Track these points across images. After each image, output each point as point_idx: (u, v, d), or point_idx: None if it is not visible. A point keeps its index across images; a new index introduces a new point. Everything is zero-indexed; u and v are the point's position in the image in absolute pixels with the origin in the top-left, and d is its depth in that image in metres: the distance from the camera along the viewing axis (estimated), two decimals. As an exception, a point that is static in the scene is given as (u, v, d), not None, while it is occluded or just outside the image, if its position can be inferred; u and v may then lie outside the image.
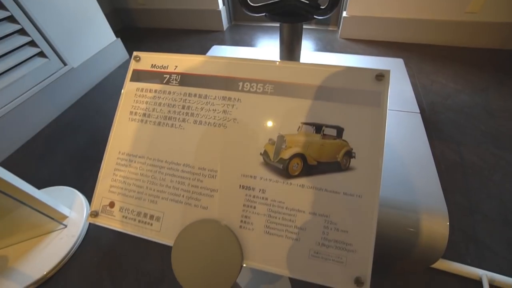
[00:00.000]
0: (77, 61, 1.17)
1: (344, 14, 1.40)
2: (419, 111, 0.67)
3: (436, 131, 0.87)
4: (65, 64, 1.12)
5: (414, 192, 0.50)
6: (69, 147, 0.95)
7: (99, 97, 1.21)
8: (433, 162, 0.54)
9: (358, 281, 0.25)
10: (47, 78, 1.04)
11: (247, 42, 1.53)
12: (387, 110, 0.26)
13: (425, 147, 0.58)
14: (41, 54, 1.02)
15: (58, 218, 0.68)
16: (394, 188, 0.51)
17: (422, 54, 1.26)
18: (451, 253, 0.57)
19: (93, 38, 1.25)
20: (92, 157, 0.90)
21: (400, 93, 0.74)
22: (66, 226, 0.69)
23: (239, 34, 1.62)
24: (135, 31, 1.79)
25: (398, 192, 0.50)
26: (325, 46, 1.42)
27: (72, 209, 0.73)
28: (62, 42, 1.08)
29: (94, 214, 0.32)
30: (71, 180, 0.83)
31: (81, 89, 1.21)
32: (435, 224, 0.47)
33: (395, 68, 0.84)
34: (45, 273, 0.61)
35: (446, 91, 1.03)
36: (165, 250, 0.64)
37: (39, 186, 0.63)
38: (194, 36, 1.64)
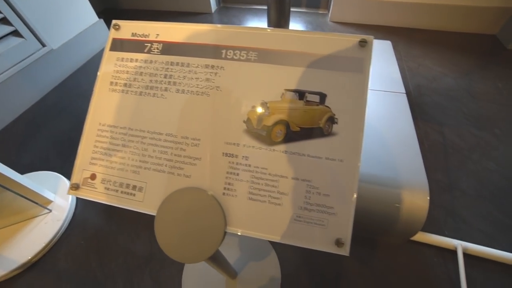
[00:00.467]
0: (56, 42, 1.11)
1: (335, -4, 1.37)
2: (405, 92, 0.68)
3: (421, 112, 0.89)
4: (43, 45, 1.05)
5: (398, 169, 0.52)
6: (52, 132, 0.91)
7: (83, 79, 1.16)
8: (417, 141, 0.56)
9: (338, 242, 0.25)
10: (25, 59, 0.99)
11: (236, 25, 1.49)
12: (370, 76, 0.26)
13: (409, 126, 0.59)
14: (16, 33, 0.96)
15: (42, 203, 0.67)
16: (379, 165, 0.52)
17: (410, 38, 1.27)
18: (430, 227, 0.60)
19: (73, 18, 1.18)
20: (77, 141, 0.86)
21: (387, 74, 0.75)
22: (50, 210, 0.68)
23: (228, 17, 1.57)
24: (118, 13, 1.70)
25: (382, 169, 0.52)
26: (315, 29, 1.40)
27: (56, 193, 0.72)
28: (39, 21, 1.02)
29: (75, 187, 0.31)
30: (55, 165, 0.80)
31: (63, 71, 1.16)
32: (416, 198, 0.49)
33: (383, 49, 0.84)
34: (30, 257, 0.60)
35: (432, 74, 1.04)
36: (153, 231, 0.64)
37: (21, 172, 0.61)
38: (181, 19, 1.58)
